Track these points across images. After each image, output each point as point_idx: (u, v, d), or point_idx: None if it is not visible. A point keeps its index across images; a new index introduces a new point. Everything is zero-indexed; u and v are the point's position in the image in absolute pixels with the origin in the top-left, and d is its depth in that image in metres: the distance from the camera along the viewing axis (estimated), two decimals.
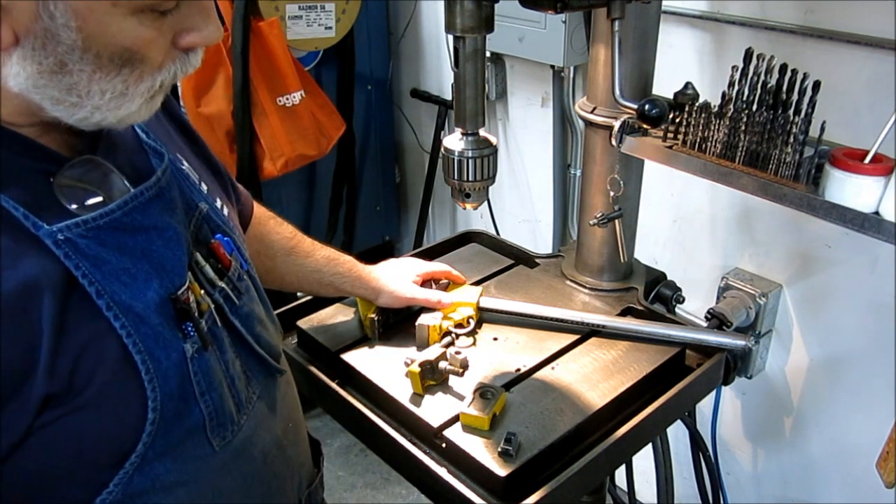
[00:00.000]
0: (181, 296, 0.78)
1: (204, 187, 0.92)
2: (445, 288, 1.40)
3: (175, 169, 0.86)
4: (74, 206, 0.72)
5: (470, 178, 1.19)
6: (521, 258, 1.60)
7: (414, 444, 1.11)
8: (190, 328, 0.79)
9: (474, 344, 1.31)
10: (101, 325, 0.72)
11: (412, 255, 1.52)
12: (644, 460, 1.51)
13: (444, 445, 1.10)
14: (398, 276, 1.33)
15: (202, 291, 0.83)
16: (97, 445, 0.74)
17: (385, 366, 1.24)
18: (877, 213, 1.07)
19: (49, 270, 0.69)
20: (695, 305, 1.81)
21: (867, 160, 1.06)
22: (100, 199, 0.74)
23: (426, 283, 1.38)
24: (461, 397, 1.16)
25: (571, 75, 2.10)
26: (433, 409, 1.15)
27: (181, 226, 0.82)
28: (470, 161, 1.18)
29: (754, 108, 1.17)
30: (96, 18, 0.65)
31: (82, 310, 0.71)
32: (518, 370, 1.24)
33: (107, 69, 0.68)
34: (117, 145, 0.81)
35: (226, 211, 0.95)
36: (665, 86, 1.36)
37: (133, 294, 0.74)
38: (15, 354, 0.67)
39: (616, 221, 1.43)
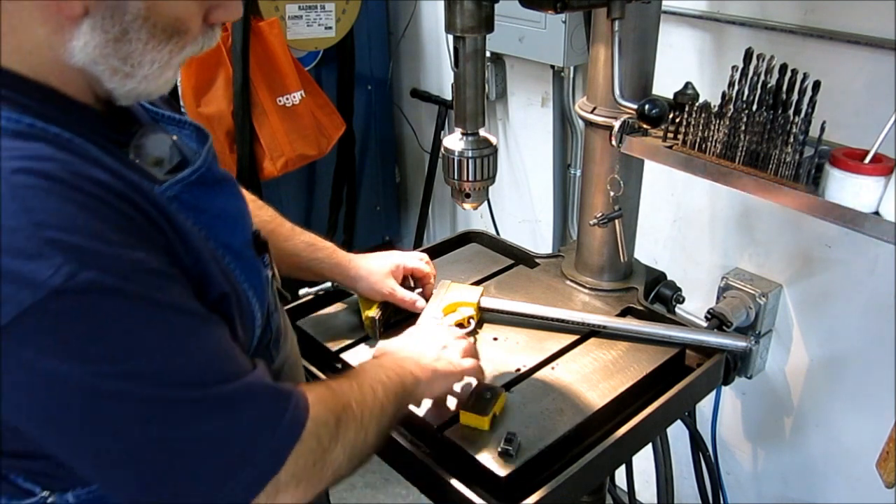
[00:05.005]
0: (259, 233, 0.93)
1: None
2: (424, 288, 1.39)
3: None
4: (155, 165, 0.79)
5: (470, 178, 1.19)
6: (521, 258, 1.60)
7: (414, 444, 1.11)
8: (266, 259, 0.94)
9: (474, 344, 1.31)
10: (216, 260, 0.82)
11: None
12: (644, 460, 1.51)
13: (444, 445, 1.10)
14: (378, 269, 1.34)
15: None
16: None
17: None
18: (877, 213, 1.07)
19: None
20: (695, 305, 1.81)
21: (867, 160, 1.06)
22: (178, 158, 0.81)
23: (406, 279, 1.38)
24: (461, 397, 1.16)
25: (571, 75, 2.10)
26: (433, 409, 1.15)
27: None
28: (470, 161, 1.18)
29: (754, 108, 1.17)
30: None
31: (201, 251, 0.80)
32: (518, 370, 1.24)
33: (158, 38, 0.73)
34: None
35: None
36: (665, 86, 1.36)
37: (230, 235, 0.84)
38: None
39: (616, 221, 1.43)
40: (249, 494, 0.75)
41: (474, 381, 1.15)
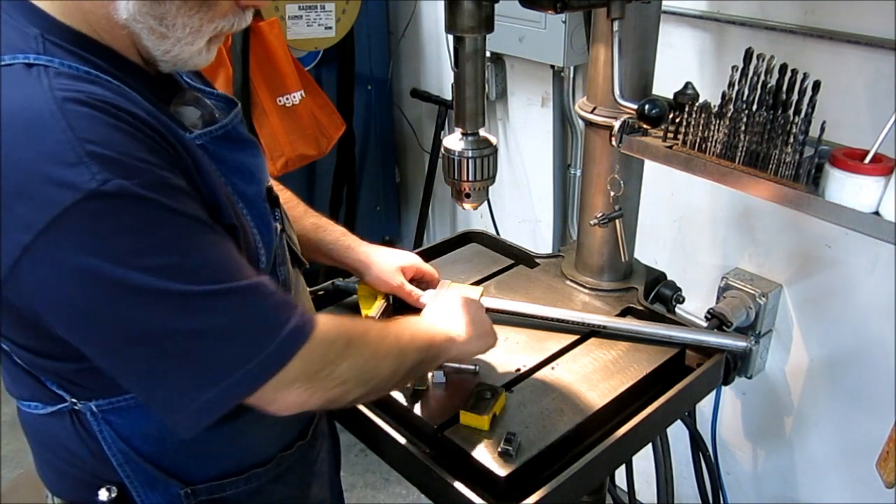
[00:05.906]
0: (272, 189, 1.03)
1: None
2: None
3: None
4: (192, 125, 0.92)
5: (470, 178, 1.19)
6: (521, 258, 1.60)
7: (414, 444, 1.11)
8: (277, 213, 1.03)
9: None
10: (230, 201, 0.91)
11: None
12: (644, 460, 1.51)
13: (444, 445, 1.10)
14: (391, 261, 1.35)
15: None
16: None
17: None
18: (877, 213, 1.07)
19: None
20: (695, 305, 1.81)
21: (867, 160, 1.06)
22: (210, 118, 0.95)
23: (414, 280, 1.38)
24: (461, 397, 1.16)
25: (571, 75, 2.10)
26: (433, 409, 1.15)
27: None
28: (470, 161, 1.18)
29: (754, 108, 1.17)
30: None
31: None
32: (518, 370, 1.24)
33: (189, 4, 0.83)
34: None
35: None
36: (665, 86, 1.36)
37: (245, 185, 0.96)
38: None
39: (616, 221, 1.43)
40: (251, 387, 0.83)
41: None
